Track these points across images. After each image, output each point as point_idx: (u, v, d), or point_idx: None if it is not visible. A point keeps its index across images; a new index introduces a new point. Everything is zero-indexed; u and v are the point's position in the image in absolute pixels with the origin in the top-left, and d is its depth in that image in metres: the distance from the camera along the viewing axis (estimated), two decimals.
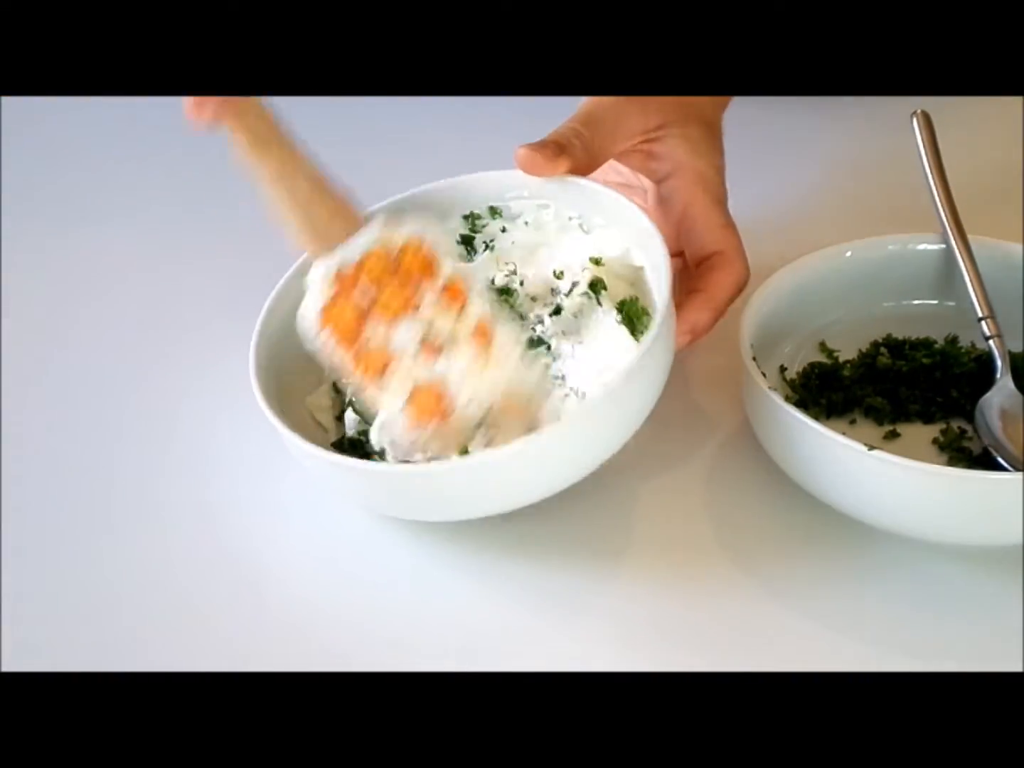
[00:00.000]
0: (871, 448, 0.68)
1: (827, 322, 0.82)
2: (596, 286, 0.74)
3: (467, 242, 0.81)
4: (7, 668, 0.69)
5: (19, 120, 1.08)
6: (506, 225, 0.80)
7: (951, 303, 0.82)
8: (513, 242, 0.79)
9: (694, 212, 0.78)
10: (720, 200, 0.79)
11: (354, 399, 0.75)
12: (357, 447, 0.75)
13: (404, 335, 0.70)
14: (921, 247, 0.82)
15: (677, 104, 0.79)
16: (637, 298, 0.74)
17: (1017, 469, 0.70)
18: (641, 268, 0.76)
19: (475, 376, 0.69)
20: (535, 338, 0.75)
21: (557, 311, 0.75)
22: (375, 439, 0.70)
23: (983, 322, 0.77)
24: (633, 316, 0.73)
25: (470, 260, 0.80)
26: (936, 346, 0.80)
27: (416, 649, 0.70)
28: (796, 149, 1.01)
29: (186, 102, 0.65)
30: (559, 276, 0.77)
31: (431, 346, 0.70)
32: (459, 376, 0.69)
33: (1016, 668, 0.66)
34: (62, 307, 0.93)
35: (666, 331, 0.71)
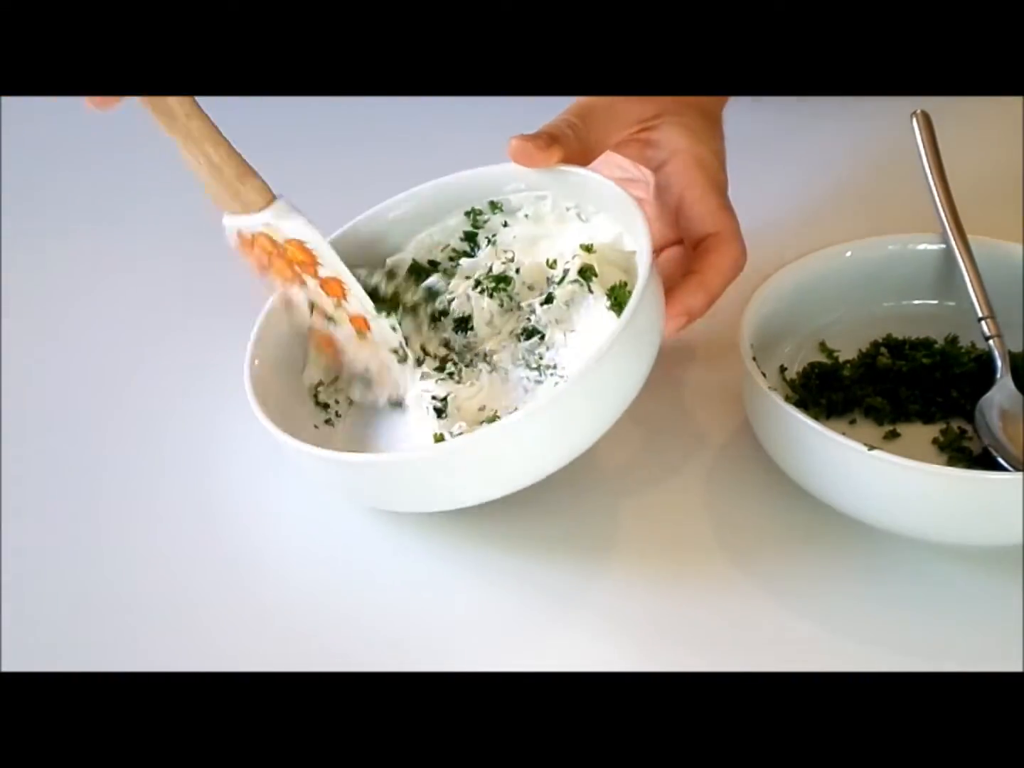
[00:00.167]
0: (871, 448, 0.68)
1: (827, 322, 0.82)
2: (586, 273, 0.74)
3: (470, 238, 0.81)
4: (7, 668, 0.69)
5: (19, 120, 1.08)
6: (507, 220, 0.80)
7: (951, 303, 0.82)
8: (515, 236, 0.79)
9: (691, 196, 0.78)
10: (718, 183, 0.78)
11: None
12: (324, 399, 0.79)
13: (298, 295, 0.77)
14: (921, 247, 0.82)
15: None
16: (626, 283, 0.74)
17: (1017, 469, 0.70)
18: (633, 253, 0.75)
19: (354, 345, 0.77)
20: (529, 328, 0.75)
21: (549, 299, 0.75)
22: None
23: (983, 322, 0.77)
24: (623, 302, 0.72)
25: (473, 256, 0.80)
26: (936, 346, 0.80)
27: (415, 648, 0.70)
28: (796, 149, 1.01)
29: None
30: (552, 265, 0.77)
31: (320, 310, 0.77)
32: (344, 339, 0.77)
33: (1016, 668, 0.66)
34: (60, 306, 0.93)
35: (645, 310, 0.70)
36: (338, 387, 0.80)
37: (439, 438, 0.72)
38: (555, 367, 0.74)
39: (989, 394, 0.75)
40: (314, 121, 1.02)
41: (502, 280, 0.77)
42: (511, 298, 0.77)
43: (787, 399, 0.72)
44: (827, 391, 0.78)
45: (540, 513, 0.72)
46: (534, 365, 0.75)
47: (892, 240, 0.82)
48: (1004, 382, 0.75)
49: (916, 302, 0.83)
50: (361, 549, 0.75)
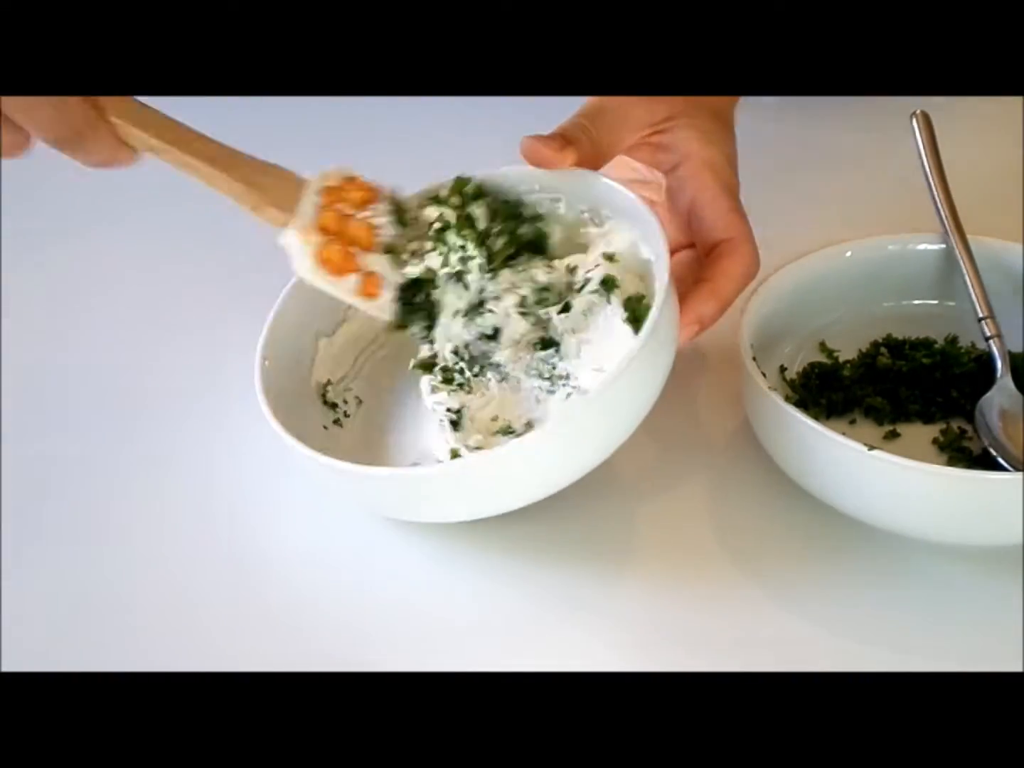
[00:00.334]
0: (871, 448, 0.68)
1: (827, 322, 0.82)
2: (608, 283, 0.73)
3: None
4: (7, 668, 0.69)
5: None
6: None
7: (951, 303, 0.82)
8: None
9: (703, 199, 0.77)
10: (730, 187, 0.78)
11: None
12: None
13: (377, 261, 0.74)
14: (921, 247, 0.82)
15: (685, 97, 0.78)
16: (643, 297, 0.73)
17: (1017, 469, 0.70)
18: (649, 261, 0.74)
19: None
20: (547, 338, 0.74)
21: (567, 308, 0.73)
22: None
23: (983, 322, 0.77)
24: (640, 315, 0.71)
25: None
26: (936, 346, 0.80)
27: (419, 650, 0.70)
28: (796, 149, 1.01)
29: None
30: (571, 271, 0.75)
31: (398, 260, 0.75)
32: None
33: (1016, 668, 0.66)
34: (64, 306, 0.93)
35: (662, 329, 0.70)
36: (346, 385, 0.80)
37: (455, 454, 0.71)
38: (567, 377, 0.73)
39: (989, 394, 0.75)
40: (314, 121, 1.02)
41: (545, 290, 0.74)
42: (541, 317, 0.75)
43: (787, 399, 0.72)
44: (827, 391, 0.78)
45: (541, 518, 0.72)
46: (547, 375, 0.74)
47: (892, 240, 0.82)
48: (1004, 382, 0.75)
49: (916, 302, 0.83)
50: (366, 550, 0.75)
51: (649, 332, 0.68)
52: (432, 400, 0.74)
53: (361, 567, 0.74)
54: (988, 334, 0.77)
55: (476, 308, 0.74)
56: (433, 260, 0.74)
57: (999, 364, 0.76)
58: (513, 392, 0.74)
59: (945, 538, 0.70)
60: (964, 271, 0.79)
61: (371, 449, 0.77)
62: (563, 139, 0.75)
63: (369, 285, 0.73)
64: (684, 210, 0.78)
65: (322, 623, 0.71)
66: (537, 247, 0.76)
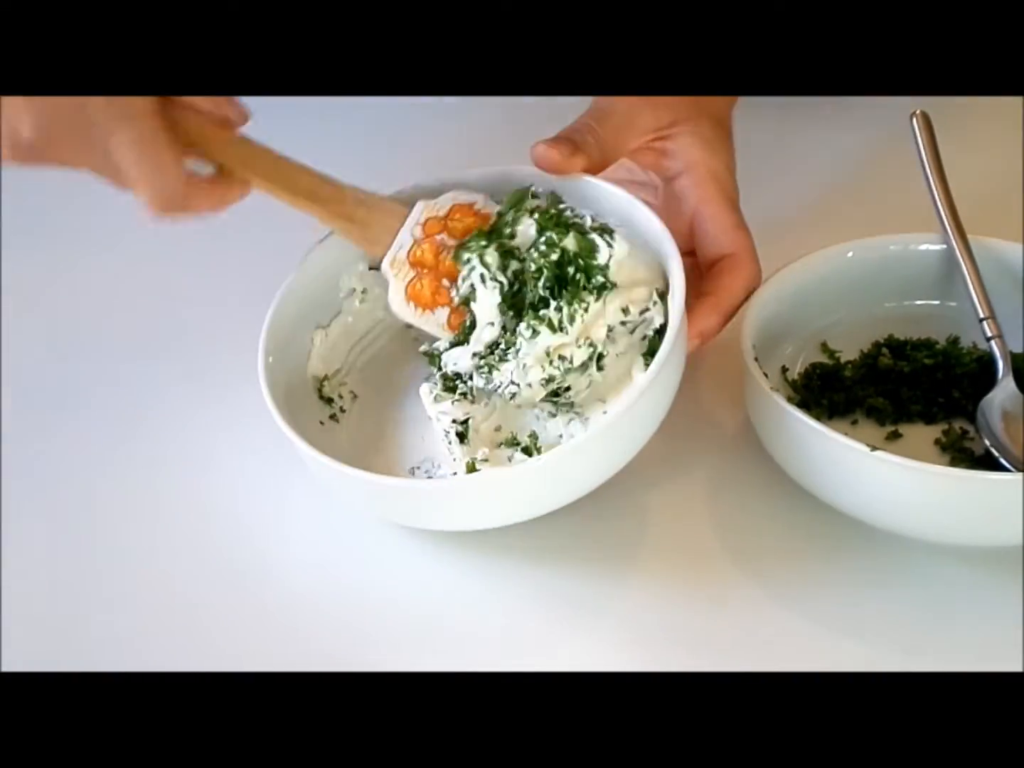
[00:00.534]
0: (873, 449, 0.68)
1: (828, 323, 0.82)
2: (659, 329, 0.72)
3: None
4: (7, 668, 0.69)
5: None
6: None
7: (952, 303, 0.82)
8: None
9: (706, 212, 0.77)
10: (732, 200, 0.78)
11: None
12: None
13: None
14: (922, 247, 0.82)
15: (688, 101, 0.79)
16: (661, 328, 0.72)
17: (1019, 470, 0.70)
18: (655, 264, 0.74)
19: None
20: (564, 386, 0.72)
21: (600, 361, 0.71)
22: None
23: (984, 322, 0.77)
24: (652, 347, 0.71)
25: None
26: (938, 346, 0.80)
27: (420, 650, 0.70)
28: (796, 150, 1.01)
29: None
30: (626, 312, 0.71)
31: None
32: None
33: (1016, 668, 0.66)
34: (64, 307, 0.93)
35: (673, 361, 0.70)
36: (341, 379, 0.80)
37: (472, 467, 0.71)
38: (571, 404, 0.73)
39: (991, 395, 0.75)
40: (315, 121, 1.02)
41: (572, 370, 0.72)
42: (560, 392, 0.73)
43: (789, 400, 0.72)
44: (829, 392, 0.78)
45: (543, 521, 0.72)
46: (551, 401, 0.73)
47: (893, 240, 0.82)
48: (1005, 383, 0.75)
49: (917, 302, 0.83)
50: (370, 554, 0.75)
51: (660, 365, 0.69)
52: (436, 410, 0.74)
53: (361, 567, 0.74)
54: (989, 334, 0.77)
55: (493, 353, 0.73)
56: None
57: (1001, 364, 0.76)
58: (515, 405, 0.74)
59: (946, 539, 0.70)
60: (965, 271, 0.79)
61: (368, 446, 0.77)
62: (572, 145, 0.75)
63: (457, 318, 0.74)
64: (686, 220, 0.78)
65: (322, 623, 0.71)
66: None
